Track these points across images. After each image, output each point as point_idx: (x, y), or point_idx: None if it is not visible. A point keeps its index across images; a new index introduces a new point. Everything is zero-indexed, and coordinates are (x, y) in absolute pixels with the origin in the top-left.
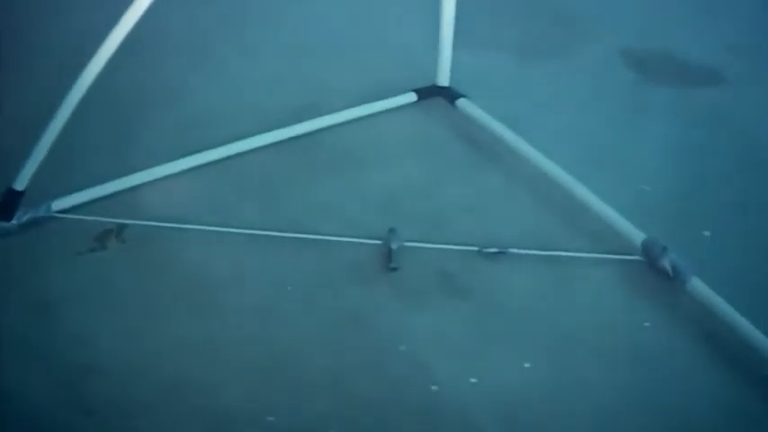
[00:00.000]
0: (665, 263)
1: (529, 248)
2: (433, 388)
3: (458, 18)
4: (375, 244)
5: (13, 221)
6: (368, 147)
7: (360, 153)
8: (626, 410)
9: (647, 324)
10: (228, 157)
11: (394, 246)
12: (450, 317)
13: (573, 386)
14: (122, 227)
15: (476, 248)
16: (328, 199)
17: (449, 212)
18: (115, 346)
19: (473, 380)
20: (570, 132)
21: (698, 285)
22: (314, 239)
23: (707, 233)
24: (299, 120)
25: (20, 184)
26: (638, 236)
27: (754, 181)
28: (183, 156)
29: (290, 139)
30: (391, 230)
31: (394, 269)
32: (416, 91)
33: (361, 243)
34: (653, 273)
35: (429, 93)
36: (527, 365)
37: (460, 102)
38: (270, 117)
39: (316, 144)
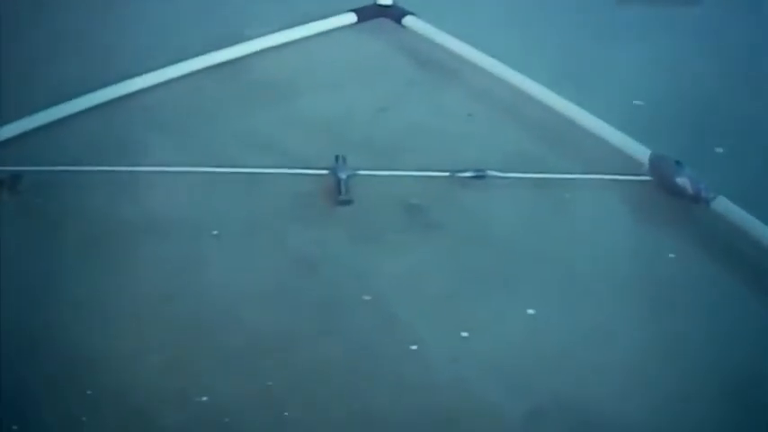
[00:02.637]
0: (683, 181)
1: (512, 171)
2: (413, 347)
3: None
4: (320, 175)
5: None
6: (304, 73)
7: (295, 80)
8: (656, 363)
9: (671, 255)
10: (141, 92)
11: (343, 175)
12: (422, 258)
13: (589, 335)
14: (16, 177)
15: (446, 173)
16: (260, 130)
17: (406, 137)
18: (10, 314)
19: (464, 334)
20: (539, 49)
21: (724, 204)
22: (244, 174)
23: (719, 149)
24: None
25: None
26: (643, 152)
27: (756, 95)
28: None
29: (212, 68)
30: (338, 158)
31: (345, 202)
32: (356, 11)
33: (302, 175)
34: (665, 193)
35: (371, 13)
36: (531, 312)
37: (408, 20)
38: (188, 51)
39: (243, 73)
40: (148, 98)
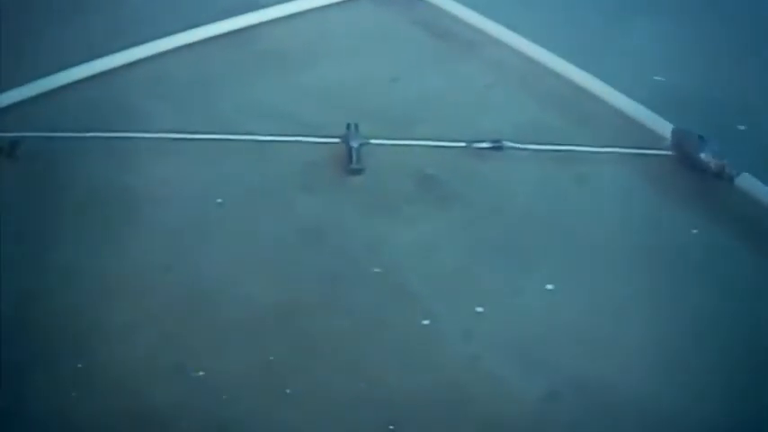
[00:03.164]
0: (706, 156)
1: (530, 143)
2: (425, 322)
3: None
4: (331, 143)
5: None
6: (317, 42)
7: (308, 49)
8: (678, 341)
9: (694, 231)
10: (147, 59)
11: (354, 143)
12: (436, 229)
13: (609, 312)
14: (15, 143)
15: (462, 144)
16: (269, 98)
17: (420, 107)
18: (5, 283)
19: (479, 309)
20: (557, 23)
21: (748, 180)
22: (251, 142)
23: (742, 127)
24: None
25: None
26: (664, 126)
27: None
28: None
29: (222, 36)
30: (350, 126)
31: (357, 171)
32: None
33: (312, 143)
34: (687, 168)
35: None
36: (550, 287)
37: None
38: (198, 18)
39: (254, 42)
40: (155, 66)
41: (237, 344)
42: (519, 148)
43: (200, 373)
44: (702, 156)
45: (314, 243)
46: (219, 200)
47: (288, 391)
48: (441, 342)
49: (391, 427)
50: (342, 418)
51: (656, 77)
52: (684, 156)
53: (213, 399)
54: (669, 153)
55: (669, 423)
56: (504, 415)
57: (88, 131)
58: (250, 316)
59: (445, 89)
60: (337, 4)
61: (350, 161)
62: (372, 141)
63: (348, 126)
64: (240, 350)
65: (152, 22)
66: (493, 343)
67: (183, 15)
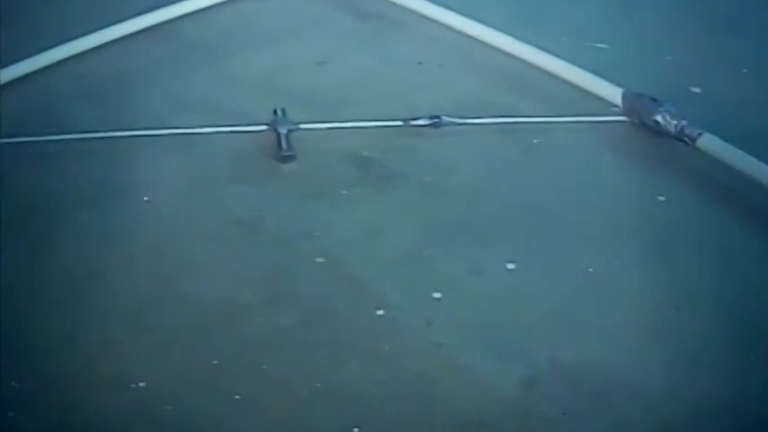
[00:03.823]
0: (663, 119)
1: (471, 117)
2: (379, 312)
3: None
4: (258, 132)
5: None
6: (237, 32)
7: (228, 40)
8: (658, 314)
9: (661, 198)
10: (69, 59)
11: (283, 129)
12: (381, 212)
13: (580, 288)
14: None
15: (398, 123)
16: (192, 91)
17: (350, 89)
18: None
19: (436, 294)
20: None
21: (710, 141)
22: (177, 135)
23: (695, 89)
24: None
25: None
26: (614, 92)
27: (723, 35)
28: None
29: (142, 32)
30: (277, 112)
31: (288, 158)
32: None
33: (239, 132)
34: (643, 133)
35: None
36: (511, 266)
37: None
38: (118, 15)
39: (173, 36)
40: (76, 65)
41: (179, 349)
42: (460, 123)
43: (141, 384)
44: (659, 118)
45: (251, 236)
46: (146, 198)
47: (237, 396)
48: (399, 333)
49: (356, 429)
50: (300, 422)
51: (598, 45)
52: (640, 120)
53: (156, 410)
54: (623, 119)
55: (664, 402)
56: (482, 407)
57: (8, 137)
58: (190, 318)
59: (376, 69)
60: None
61: (280, 148)
62: (302, 126)
63: (275, 112)
64: (182, 356)
65: (72, 22)
66: (456, 330)
67: (101, 13)
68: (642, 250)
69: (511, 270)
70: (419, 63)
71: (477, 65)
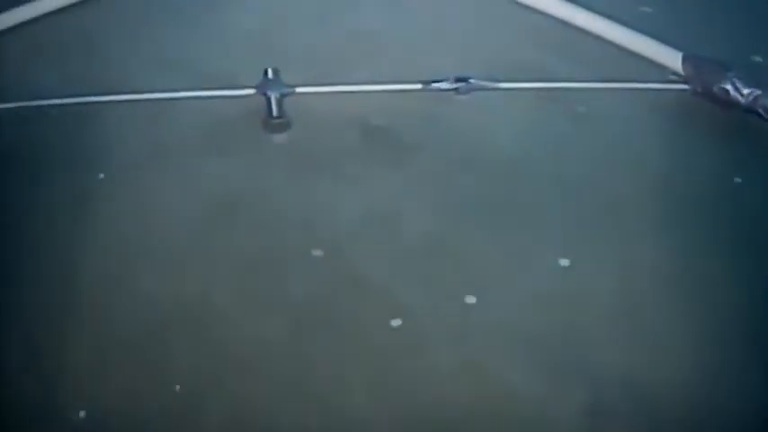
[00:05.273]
0: (734, 87)
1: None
2: (395, 323)
3: None
4: (244, 96)
5: None
6: None
7: None
8: (745, 327)
9: (738, 180)
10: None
11: (274, 93)
12: (394, 192)
13: (649, 291)
14: None
15: (417, 86)
16: (171, 49)
17: (358, 46)
18: None
19: (469, 299)
20: None
21: None
22: (145, 101)
23: (758, 58)
24: None
25: None
26: (672, 54)
27: None
28: None
29: None
30: (267, 72)
31: (280, 126)
32: None
33: (222, 97)
34: (706, 103)
35: None
36: (564, 263)
37: None
38: None
39: None
40: (37, 27)
41: (131, 368)
42: (492, 87)
43: (81, 414)
44: (728, 86)
45: (229, 220)
46: (102, 175)
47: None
48: (421, 349)
49: None
50: None
51: (642, 8)
52: (703, 88)
53: None
54: (683, 86)
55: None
56: None
57: None
58: (147, 325)
59: (387, 24)
60: None
61: (270, 115)
62: (298, 90)
63: (265, 72)
64: (135, 377)
65: None
66: (497, 345)
67: None
68: (721, 242)
69: (564, 267)
70: (436, 17)
71: (506, 20)
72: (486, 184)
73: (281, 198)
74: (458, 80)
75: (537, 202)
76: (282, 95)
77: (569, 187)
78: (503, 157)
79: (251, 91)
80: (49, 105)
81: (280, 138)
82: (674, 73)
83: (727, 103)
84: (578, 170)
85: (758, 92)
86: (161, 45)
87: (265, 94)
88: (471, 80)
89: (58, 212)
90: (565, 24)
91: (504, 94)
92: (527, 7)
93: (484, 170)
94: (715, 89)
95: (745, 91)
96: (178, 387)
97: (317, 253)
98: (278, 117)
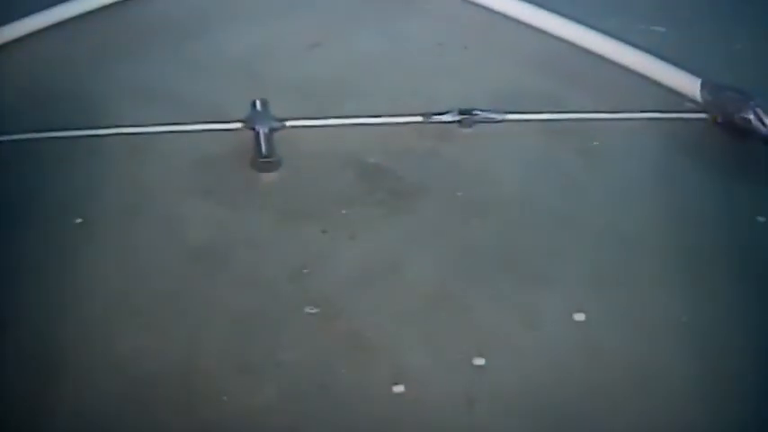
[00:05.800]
0: (756, 115)
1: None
2: (397, 389)
3: None
4: (231, 130)
5: None
6: (211, 5)
7: (200, 14)
8: None
9: (761, 219)
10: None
11: (263, 127)
12: (394, 241)
13: (673, 346)
14: None
15: (417, 118)
16: (150, 80)
17: (352, 76)
18: None
19: (477, 360)
20: None
21: None
22: (126, 135)
23: None
24: None
25: None
26: (690, 81)
27: None
28: None
29: (95, 11)
30: (256, 104)
31: (270, 165)
32: None
33: (206, 131)
34: (727, 134)
35: None
36: (579, 317)
37: None
38: None
39: (132, 10)
40: (18, 49)
41: None
42: (498, 120)
43: None
44: (750, 116)
45: (215, 272)
46: (79, 219)
47: None
48: (426, 418)
49: None
50: None
51: (654, 27)
52: (724, 118)
53: None
54: (702, 116)
55: None
56: None
57: None
58: (123, 391)
59: (384, 52)
60: None
61: (259, 152)
62: (289, 124)
63: (253, 105)
64: None
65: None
66: (508, 412)
67: None
68: (747, 290)
69: (579, 322)
70: (439, 44)
71: (511, 46)
72: (493, 230)
73: (270, 247)
74: (462, 112)
75: (548, 249)
76: (272, 130)
77: (582, 231)
78: (510, 199)
79: (238, 125)
80: (23, 140)
81: (269, 177)
82: (692, 101)
83: (749, 133)
84: (591, 212)
85: None
86: (142, 75)
87: (254, 129)
88: (476, 112)
89: (30, 262)
90: (574, 48)
91: (511, 126)
92: (534, 29)
93: (490, 214)
94: (736, 118)
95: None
96: None
97: (311, 310)
98: (267, 156)
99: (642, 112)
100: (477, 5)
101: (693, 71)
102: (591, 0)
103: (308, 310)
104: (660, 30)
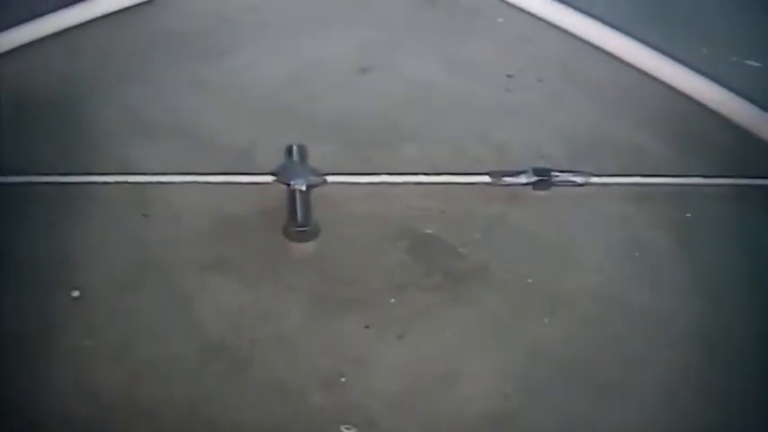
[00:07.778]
0: None
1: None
2: None
3: None
4: (260, 184)
5: None
6: (239, 15)
7: (224, 26)
8: None
9: None
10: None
11: (300, 184)
12: (451, 340)
13: None
14: None
15: (484, 178)
16: (162, 109)
17: (405, 112)
18: None
19: None
20: None
21: None
22: (130, 185)
23: None
24: None
25: None
26: None
27: None
28: None
29: (102, 18)
30: (292, 152)
31: (305, 234)
32: None
33: (229, 184)
34: None
35: None
36: None
37: None
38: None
39: (146, 20)
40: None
41: None
42: (582, 183)
43: None
44: None
45: (232, 371)
46: (76, 293)
47: None
48: None
49: None
50: None
51: (748, 62)
52: None
53: None
54: None
55: None
56: None
57: None
58: None
59: (443, 82)
60: None
61: (293, 218)
62: (330, 179)
63: (289, 151)
64: None
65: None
66: None
67: None
68: None
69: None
70: (508, 76)
71: (591, 80)
72: (566, 331)
73: (301, 345)
74: (537, 172)
75: (630, 357)
76: (309, 187)
77: (671, 332)
78: (589, 291)
79: (269, 178)
80: (9, 184)
81: (304, 249)
82: None
83: None
84: (680, 310)
85: None
86: (151, 103)
87: (288, 185)
88: (555, 173)
89: (20, 341)
90: (663, 86)
91: (589, 191)
92: (617, 60)
93: (564, 309)
94: None
95: None
96: None
97: (349, 429)
98: (303, 221)
99: (742, 177)
100: (556, 27)
101: None
102: (680, 28)
103: (344, 430)
104: (755, 65)
